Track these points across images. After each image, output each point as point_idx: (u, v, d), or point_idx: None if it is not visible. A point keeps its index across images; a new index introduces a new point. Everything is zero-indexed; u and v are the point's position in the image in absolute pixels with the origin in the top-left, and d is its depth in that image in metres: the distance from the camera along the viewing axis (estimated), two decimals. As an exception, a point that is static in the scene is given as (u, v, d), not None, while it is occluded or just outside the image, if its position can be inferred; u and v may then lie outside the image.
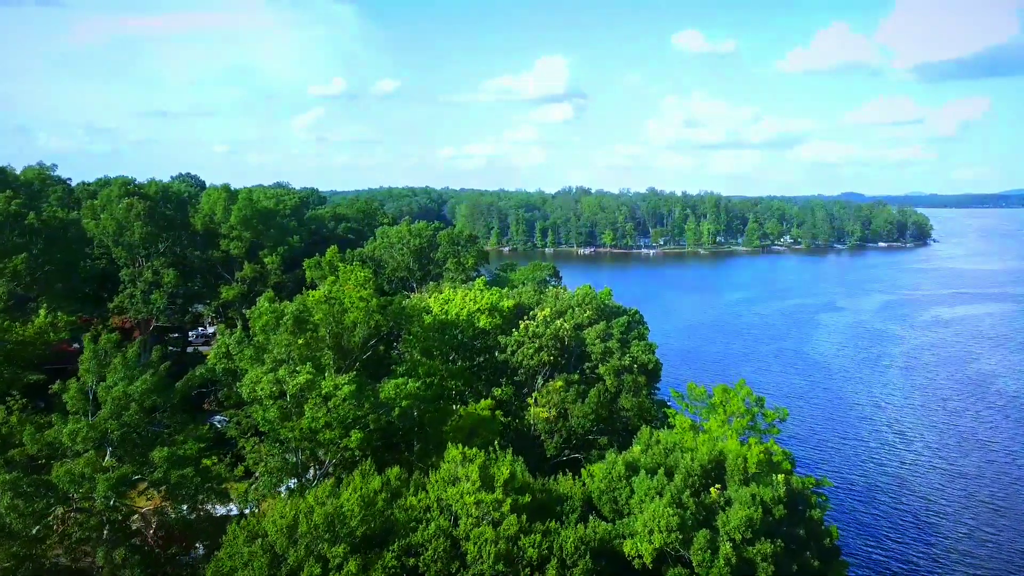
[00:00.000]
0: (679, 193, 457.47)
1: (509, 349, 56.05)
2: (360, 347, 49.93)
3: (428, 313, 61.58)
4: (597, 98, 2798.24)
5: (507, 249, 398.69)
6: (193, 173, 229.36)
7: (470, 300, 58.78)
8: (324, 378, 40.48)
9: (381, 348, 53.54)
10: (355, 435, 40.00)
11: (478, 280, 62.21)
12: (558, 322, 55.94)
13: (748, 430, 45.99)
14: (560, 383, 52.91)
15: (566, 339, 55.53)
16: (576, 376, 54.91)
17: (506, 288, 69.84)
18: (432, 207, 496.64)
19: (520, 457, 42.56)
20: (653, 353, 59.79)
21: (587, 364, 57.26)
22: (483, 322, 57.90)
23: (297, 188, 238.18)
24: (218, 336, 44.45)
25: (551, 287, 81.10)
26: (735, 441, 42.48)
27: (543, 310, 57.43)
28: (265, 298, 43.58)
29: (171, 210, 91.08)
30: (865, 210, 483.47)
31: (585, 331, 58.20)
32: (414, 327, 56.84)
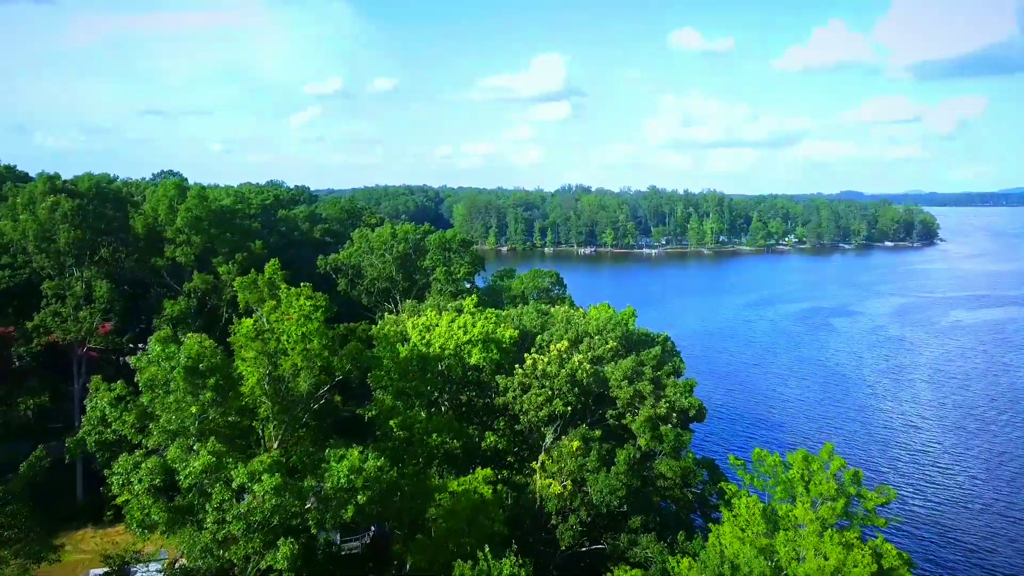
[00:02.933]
0: (680, 191, 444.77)
1: (510, 394, 42.49)
2: (306, 397, 36.94)
3: (405, 342, 48.33)
4: (595, 96, 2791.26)
5: (505, 249, 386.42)
6: (176, 171, 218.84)
7: (458, 328, 45.20)
8: (235, 463, 27.06)
9: (337, 398, 40.12)
10: (284, 548, 26.81)
11: (468, 300, 48.35)
12: (576, 358, 42.30)
13: (843, 518, 32.95)
14: (577, 443, 39.30)
15: (584, 380, 41.98)
16: (598, 432, 41.25)
17: (505, 307, 56.19)
18: (429, 205, 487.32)
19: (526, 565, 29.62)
20: (692, 393, 46.51)
21: (610, 411, 43.78)
22: (475, 357, 44.35)
23: (291, 186, 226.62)
24: (91, 393, 30.85)
25: (556, 303, 67.19)
26: (836, 544, 29.46)
27: (556, 343, 43.77)
28: (156, 339, 29.85)
29: (111, 210, 77.32)
30: (871, 209, 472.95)
31: (607, 366, 44.73)
32: (386, 362, 43.64)
